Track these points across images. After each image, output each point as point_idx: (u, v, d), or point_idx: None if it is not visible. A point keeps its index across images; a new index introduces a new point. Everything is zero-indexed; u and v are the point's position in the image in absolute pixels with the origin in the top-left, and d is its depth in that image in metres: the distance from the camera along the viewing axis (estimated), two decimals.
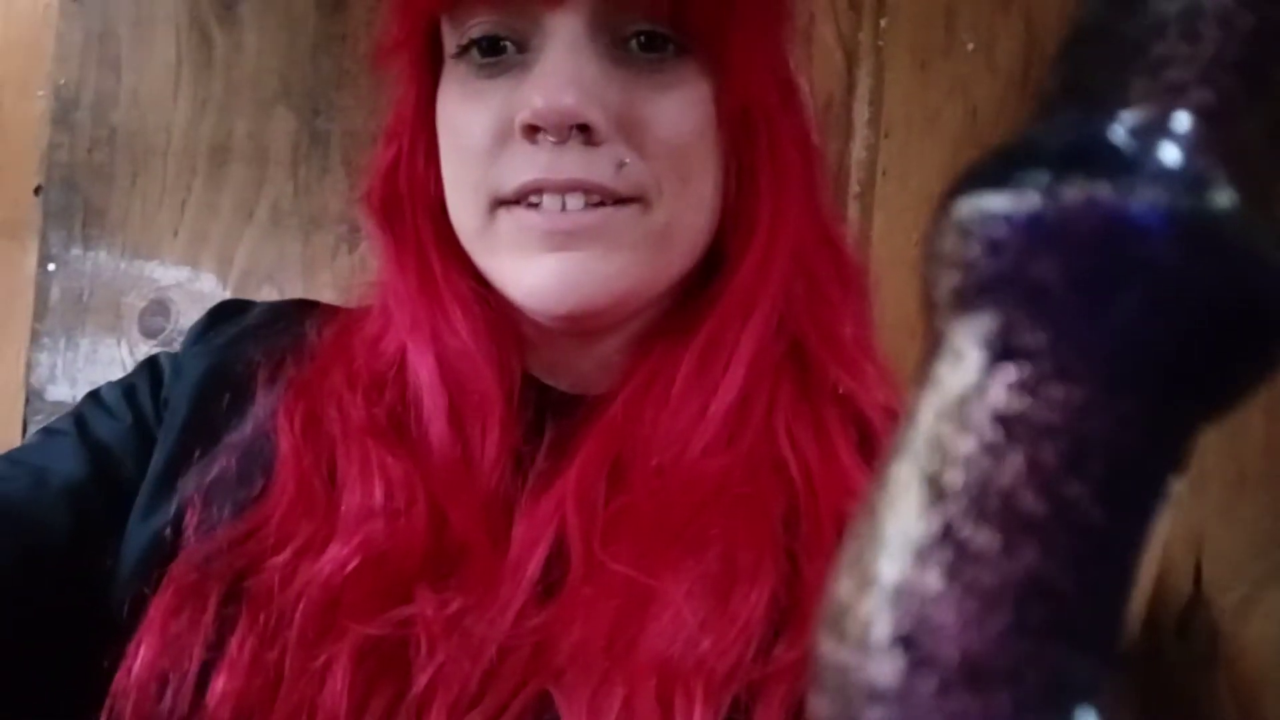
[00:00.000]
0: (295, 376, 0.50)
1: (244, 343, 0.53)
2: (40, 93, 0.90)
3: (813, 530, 0.45)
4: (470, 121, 0.46)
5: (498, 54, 0.46)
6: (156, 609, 0.43)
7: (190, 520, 0.46)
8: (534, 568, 0.44)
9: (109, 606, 0.46)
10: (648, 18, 0.45)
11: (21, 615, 0.45)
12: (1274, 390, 0.50)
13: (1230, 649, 0.53)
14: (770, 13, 0.50)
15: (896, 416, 0.48)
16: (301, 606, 0.42)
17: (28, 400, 0.88)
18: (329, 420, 0.48)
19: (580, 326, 0.48)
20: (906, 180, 0.85)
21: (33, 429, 0.87)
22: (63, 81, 0.89)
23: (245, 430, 0.49)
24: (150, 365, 0.54)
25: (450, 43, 0.48)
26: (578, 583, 0.43)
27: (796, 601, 0.43)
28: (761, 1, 0.49)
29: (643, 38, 0.46)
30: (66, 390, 0.88)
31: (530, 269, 0.46)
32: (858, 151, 0.89)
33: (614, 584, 0.43)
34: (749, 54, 0.47)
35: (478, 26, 0.46)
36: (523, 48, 0.46)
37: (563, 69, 0.44)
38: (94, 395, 0.53)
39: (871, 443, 0.48)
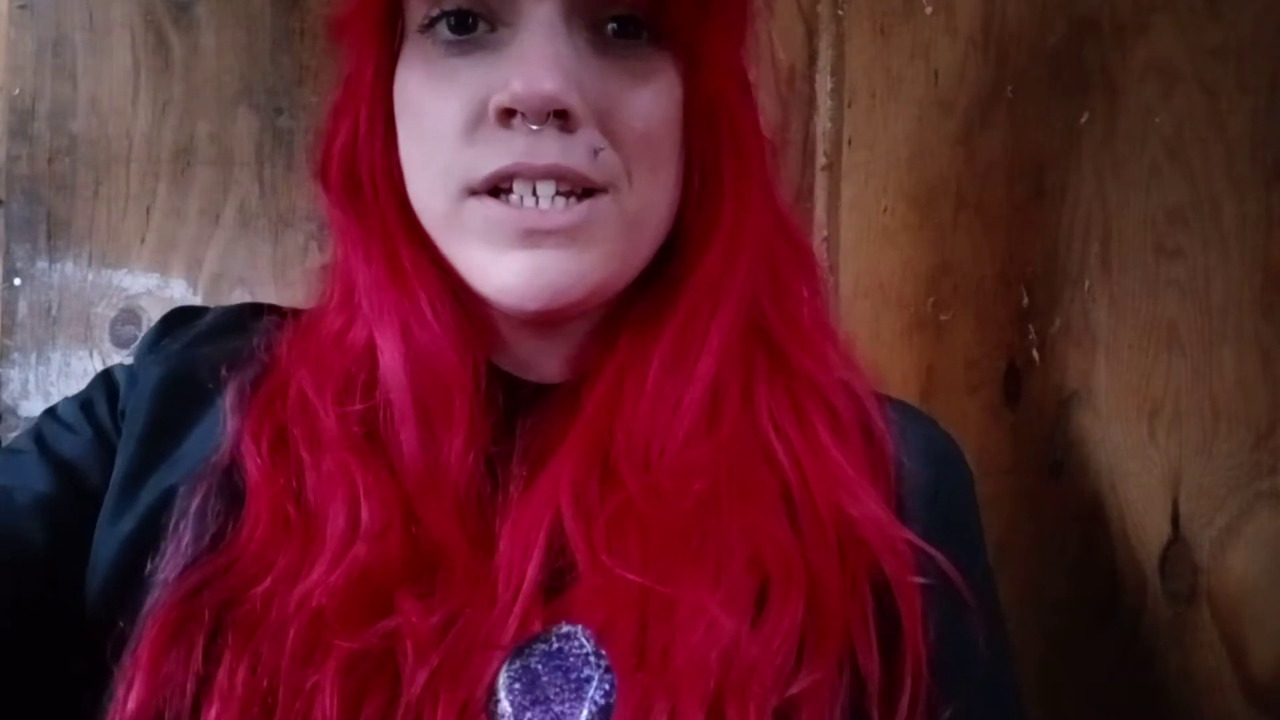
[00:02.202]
0: (258, 389, 0.49)
1: (199, 347, 0.52)
2: None
3: (813, 525, 0.46)
4: (439, 104, 0.45)
5: (468, 31, 0.45)
6: (144, 649, 0.42)
7: (166, 550, 0.45)
8: (533, 571, 0.43)
9: (84, 618, 0.46)
10: (627, 4, 0.45)
11: (2, 629, 0.44)
12: (1243, 327, 0.51)
13: (1211, 583, 0.54)
14: (741, 6, 0.51)
15: (858, 396, 0.49)
16: (288, 632, 0.42)
17: (1, 418, 0.87)
18: (297, 437, 0.47)
19: (549, 320, 0.48)
20: (873, 148, 0.86)
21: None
22: (17, 92, 0.88)
23: (212, 453, 0.47)
24: (105, 378, 0.53)
25: (417, 14, 0.46)
26: (589, 590, 0.43)
27: (818, 606, 0.43)
28: None
29: (618, 24, 0.45)
30: (40, 405, 0.87)
31: (501, 265, 0.45)
32: (823, 122, 0.90)
33: (629, 591, 0.42)
34: (720, 46, 0.48)
35: (451, 0, 0.45)
36: (494, 25, 0.45)
37: (542, 52, 0.43)
38: (51, 413, 0.53)
39: (840, 423, 0.49)
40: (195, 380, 0.50)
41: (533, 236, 0.44)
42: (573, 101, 0.43)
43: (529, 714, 0.41)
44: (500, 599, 0.43)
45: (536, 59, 0.43)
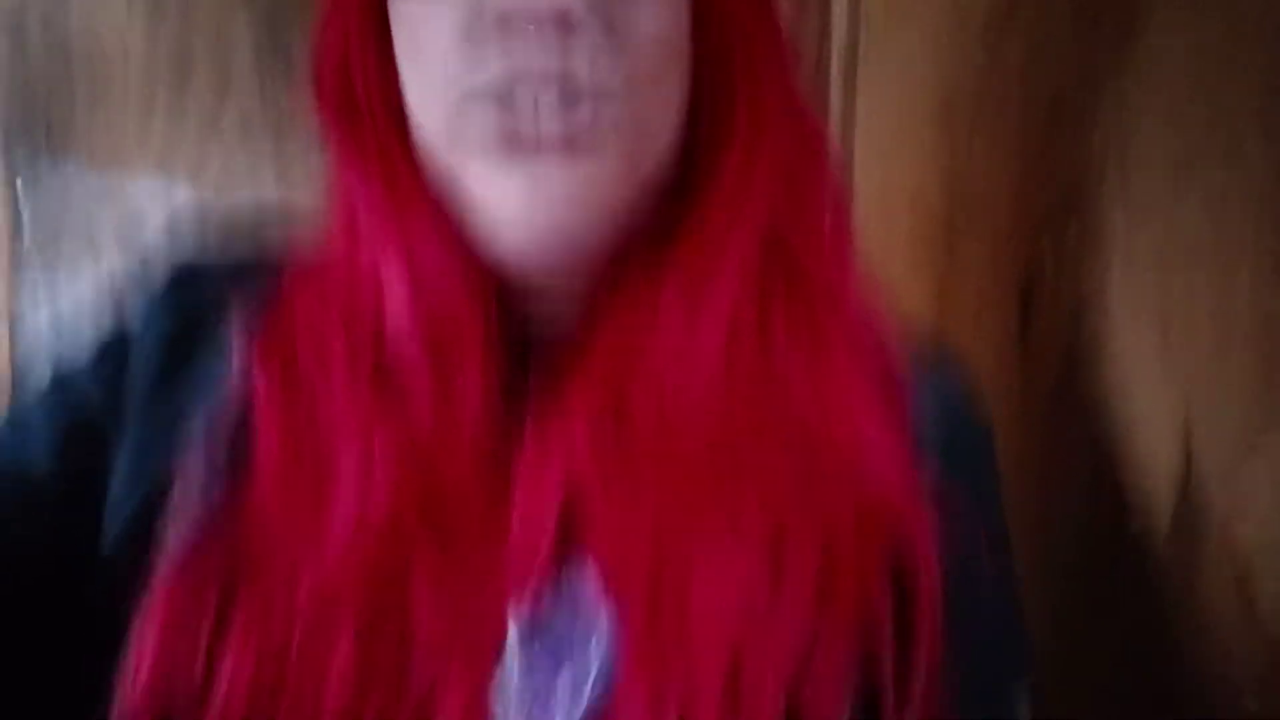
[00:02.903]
0: (269, 332, 0.48)
1: (207, 296, 0.50)
2: None
3: (831, 472, 0.45)
4: (434, 12, 0.44)
5: None
6: (154, 608, 0.41)
7: (178, 502, 0.44)
8: (550, 521, 0.43)
9: (98, 580, 0.45)
10: None
11: (16, 571, 0.44)
12: (1260, 242, 0.52)
13: (1222, 513, 0.55)
14: None
15: (875, 325, 0.48)
16: (301, 589, 0.41)
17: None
18: (307, 377, 0.46)
19: (552, 253, 0.46)
20: (886, 66, 0.85)
21: (18, 354, 0.86)
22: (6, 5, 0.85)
23: (220, 401, 0.46)
24: (112, 331, 0.52)
25: None
26: (602, 539, 0.42)
27: (834, 559, 0.43)
28: None
29: None
30: (47, 314, 0.87)
31: (499, 186, 0.43)
32: (838, 39, 0.89)
33: (644, 547, 0.42)
34: None
35: None
36: None
37: None
38: (58, 372, 0.51)
39: (859, 358, 0.48)
40: (205, 329, 0.49)
41: (530, 144, 0.43)
42: (573, 2, 0.42)
43: (537, 665, 0.41)
44: (515, 555, 0.43)
45: None
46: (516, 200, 0.43)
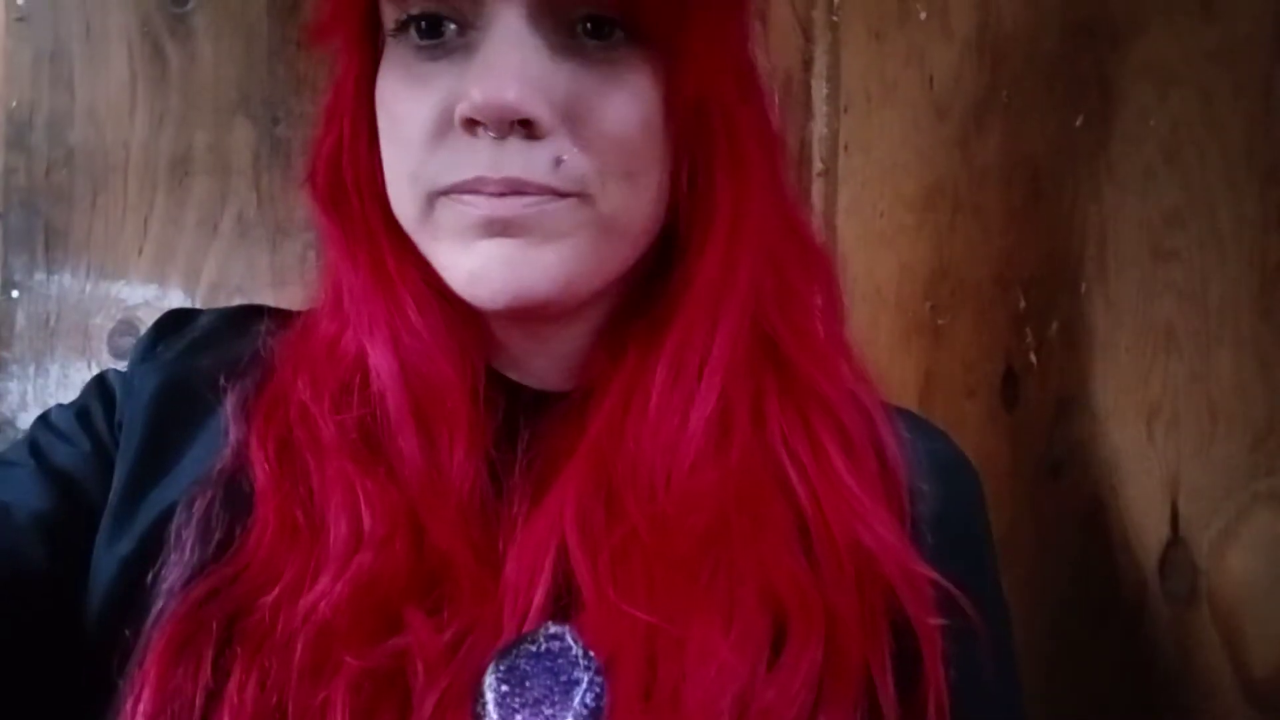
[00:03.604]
0: (260, 396, 0.48)
1: (195, 354, 0.51)
2: None
3: (830, 558, 0.44)
4: (410, 109, 0.45)
5: (438, 35, 0.44)
6: (151, 662, 0.41)
7: (170, 559, 0.44)
8: (539, 599, 0.43)
9: (86, 633, 0.45)
10: (596, 3, 0.43)
11: (3, 650, 0.44)
12: (1240, 329, 0.51)
13: (1211, 583, 0.54)
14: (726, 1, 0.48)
15: (869, 412, 0.48)
16: (296, 646, 0.41)
17: None
18: (300, 443, 0.46)
19: (526, 316, 0.47)
20: (869, 153, 0.86)
21: None
22: (14, 104, 0.88)
23: (216, 459, 0.47)
24: (100, 385, 0.52)
25: (388, 19, 0.46)
26: (594, 626, 0.42)
27: (837, 647, 0.42)
28: None
29: (590, 23, 0.44)
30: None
31: (468, 256, 0.44)
32: (819, 128, 0.90)
33: (636, 629, 0.41)
34: (703, 42, 0.45)
35: (417, 4, 0.44)
36: (465, 28, 0.44)
37: (505, 60, 0.42)
38: (45, 421, 0.51)
39: (853, 445, 0.48)
40: (193, 390, 0.49)
41: (496, 224, 0.43)
42: (536, 110, 0.42)
43: (517, 717, 0.40)
44: (506, 627, 0.42)
45: (499, 67, 0.42)
46: (483, 271, 0.44)
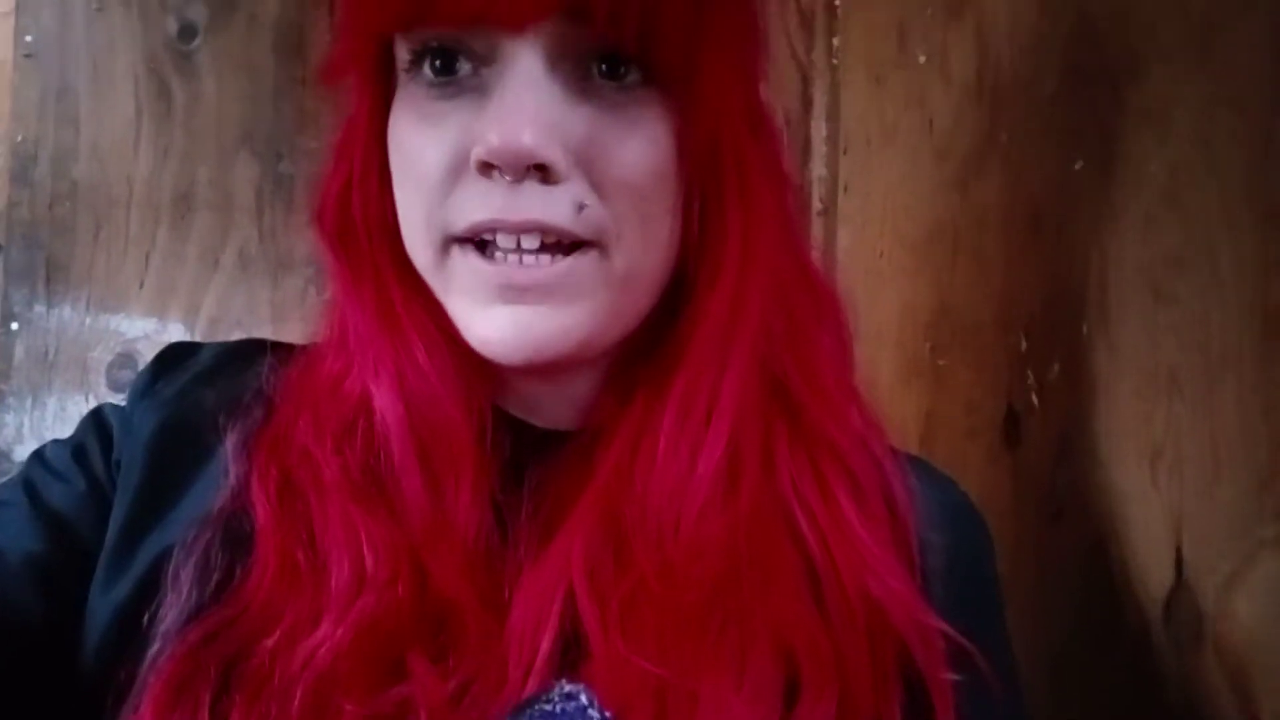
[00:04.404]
0: (261, 434, 0.48)
1: (196, 390, 0.51)
2: None
3: (842, 610, 0.44)
4: (424, 150, 0.44)
5: (451, 73, 0.44)
6: (146, 705, 0.40)
7: (167, 599, 0.43)
8: (545, 647, 0.42)
9: (80, 683, 0.44)
10: (612, 45, 0.43)
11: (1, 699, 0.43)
12: (1242, 372, 0.51)
13: (1216, 629, 0.53)
14: (741, 39, 0.48)
15: (878, 459, 0.48)
16: (295, 692, 0.40)
17: None
18: (302, 484, 0.46)
19: (539, 371, 0.47)
20: (868, 194, 0.86)
21: None
22: (20, 138, 0.88)
23: (216, 499, 0.46)
24: (97, 421, 0.51)
25: (402, 55, 0.45)
26: (603, 677, 0.41)
27: (850, 700, 0.42)
28: (732, 28, 0.46)
29: (605, 65, 0.43)
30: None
31: (483, 319, 0.44)
32: (818, 169, 0.91)
33: (646, 682, 0.40)
34: (718, 83, 0.45)
35: (433, 37, 0.44)
36: (479, 66, 0.43)
37: (522, 103, 0.42)
38: (40, 458, 0.50)
39: (863, 493, 0.47)
40: (193, 429, 0.49)
41: (512, 291, 0.43)
42: (552, 155, 0.42)
43: None
44: (511, 677, 0.41)
45: (515, 111, 0.41)
46: (499, 335, 0.44)
